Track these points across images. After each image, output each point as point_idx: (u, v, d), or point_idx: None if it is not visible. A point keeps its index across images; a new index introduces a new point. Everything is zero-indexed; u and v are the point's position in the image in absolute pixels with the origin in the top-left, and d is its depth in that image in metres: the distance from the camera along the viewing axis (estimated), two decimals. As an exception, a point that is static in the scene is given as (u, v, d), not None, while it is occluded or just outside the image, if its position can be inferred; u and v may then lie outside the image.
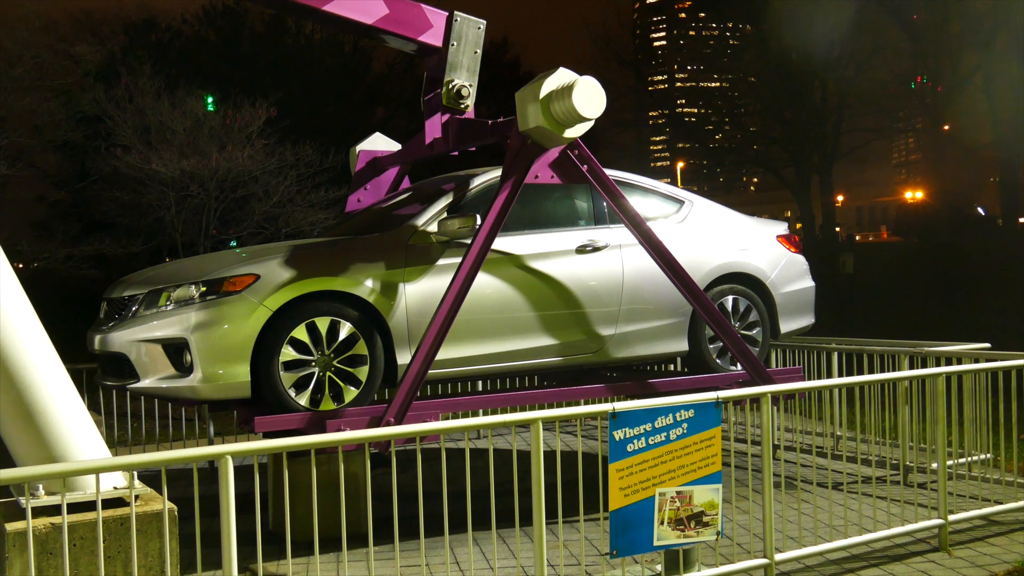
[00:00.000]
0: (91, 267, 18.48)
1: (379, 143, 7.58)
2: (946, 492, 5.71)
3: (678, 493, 4.45)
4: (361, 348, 5.74)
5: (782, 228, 7.79)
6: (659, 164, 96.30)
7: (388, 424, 5.48)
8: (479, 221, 5.78)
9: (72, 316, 12.13)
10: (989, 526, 6.07)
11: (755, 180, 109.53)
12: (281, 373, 5.52)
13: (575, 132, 5.81)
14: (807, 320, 7.64)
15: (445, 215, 6.14)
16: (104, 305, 6.11)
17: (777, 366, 9.03)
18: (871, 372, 7.97)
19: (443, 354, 5.79)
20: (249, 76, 26.99)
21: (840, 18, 34.09)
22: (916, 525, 5.64)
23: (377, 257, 5.88)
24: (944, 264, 28.79)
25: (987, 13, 33.06)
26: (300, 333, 5.58)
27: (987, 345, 8.08)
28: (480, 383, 9.32)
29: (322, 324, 5.63)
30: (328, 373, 5.67)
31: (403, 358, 5.85)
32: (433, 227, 6.09)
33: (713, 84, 63.98)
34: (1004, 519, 6.18)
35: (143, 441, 9.10)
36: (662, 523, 4.43)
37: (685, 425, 4.48)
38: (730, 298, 7.08)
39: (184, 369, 5.47)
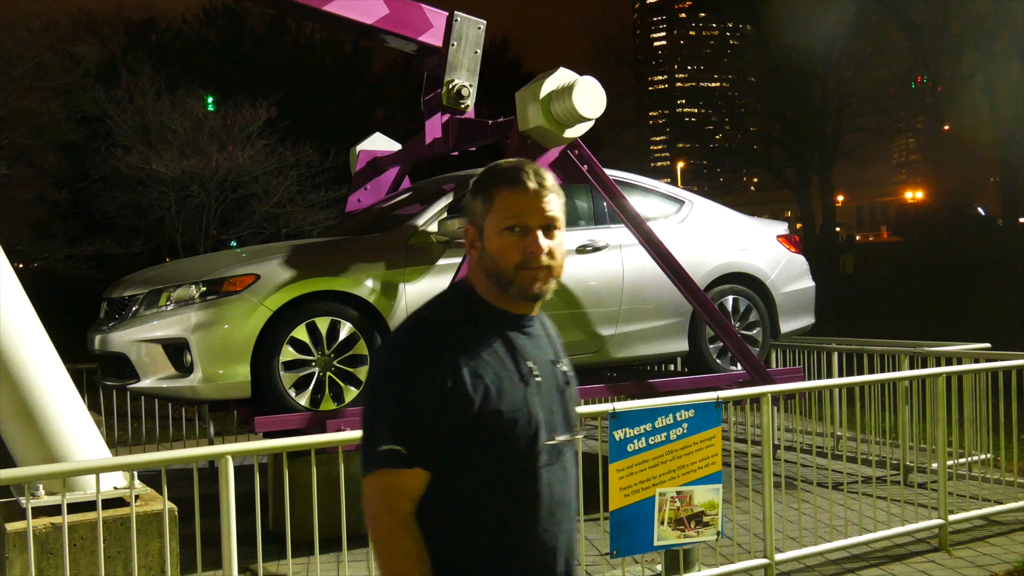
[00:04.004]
0: (91, 267, 18.49)
1: (379, 143, 7.57)
2: (946, 492, 5.70)
3: (678, 493, 4.45)
4: (361, 348, 5.74)
5: (782, 228, 7.79)
6: (659, 164, 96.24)
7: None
8: (479, 221, 5.77)
9: (72, 316, 12.13)
10: (989, 526, 6.06)
11: (755, 180, 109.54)
12: (281, 373, 5.51)
13: (575, 132, 5.81)
14: (807, 320, 7.64)
15: (445, 215, 6.14)
16: (104, 305, 6.11)
17: (777, 366, 9.02)
18: (871, 372, 7.97)
19: (443, 354, 5.77)
20: (249, 76, 27.03)
21: (840, 18, 34.09)
22: (916, 525, 5.64)
23: (377, 257, 5.88)
24: (944, 264, 28.81)
25: (987, 13, 33.07)
26: (300, 333, 5.58)
27: (987, 345, 8.08)
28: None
29: (322, 324, 5.63)
30: (328, 373, 5.67)
31: (403, 358, 5.84)
32: (433, 227, 6.08)
33: (713, 84, 63.92)
34: (1004, 519, 6.17)
35: (143, 441, 9.09)
36: (662, 523, 4.42)
37: (685, 425, 4.48)
38: (730, 298, 7.08)
39: (184, 369, 5.47)
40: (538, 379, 1.95)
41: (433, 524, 1.88)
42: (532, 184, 1.93)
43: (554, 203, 1.96)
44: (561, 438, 1.98)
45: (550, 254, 1.95)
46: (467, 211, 2.01)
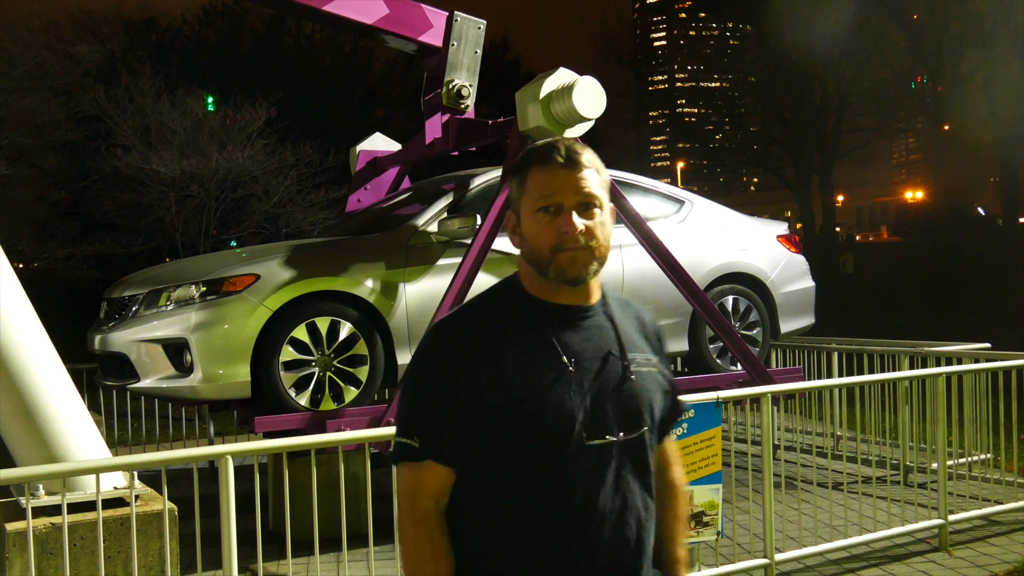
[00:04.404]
0: (91, 267, 18.49)
1: (379, 143, 7.57)
2: (946, 492, 5.70)
3: (678, 493, 4.45)
4: (361, 348, 5.74)
5: (782, 228, 7.79)
6: (659, 164, 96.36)
7: (388, 424, 5.48)
8: (479, 221, 5.78)
9: (72, 316, 12.12)
10: (989, 526, 6.06)
11: (755, 180, 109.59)
12: (281, 373, 5.51)
13: (575, 132, 5.81)
14: (807, 320, 7.64)
15: (445, 215, 6.14)
16: (104, 305, 6.12)
17: (777, 366, 9.02)
18: (871, 372, 7.96)
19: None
20: (249, 76, 26.99)
21: (840, 18, 34.10)
22: (916, 525, 5.64)
23: (377, 257, 5.88)
24: (944, 264, 28.81)
25: (987, 13, 33.09)
26: (300, 333, 5.58)
27: (987, 345, 8.08)
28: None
29: (322, 324, 5.63)
30: (328, 373, 5.67)
31: (403, 358, 5.85)
32: (433, 227, 6.08)
33: (713, 84, 64.01)
34: (1004, 519, 6.17)
35: (143, 441, 9.09)
36: (662, 523, 4.42)
37: (685, 425, 4.48)
38: (730, 298, 7.08)
39: (184, 369, 5.47)
40: (573, 373, 1.81)
41: (458, 524, 1.83)
42: (564, 160, 1.82)
43: (592, 179, 1.83)
44: (611, 438, 1.82)
45: (588, 233, 1.81)
46: (509, 197, 1.95)
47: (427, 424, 1.82)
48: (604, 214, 1.86)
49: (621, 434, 1.83)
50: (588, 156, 1.86)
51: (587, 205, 1.83)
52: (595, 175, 1.85)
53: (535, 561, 1.79)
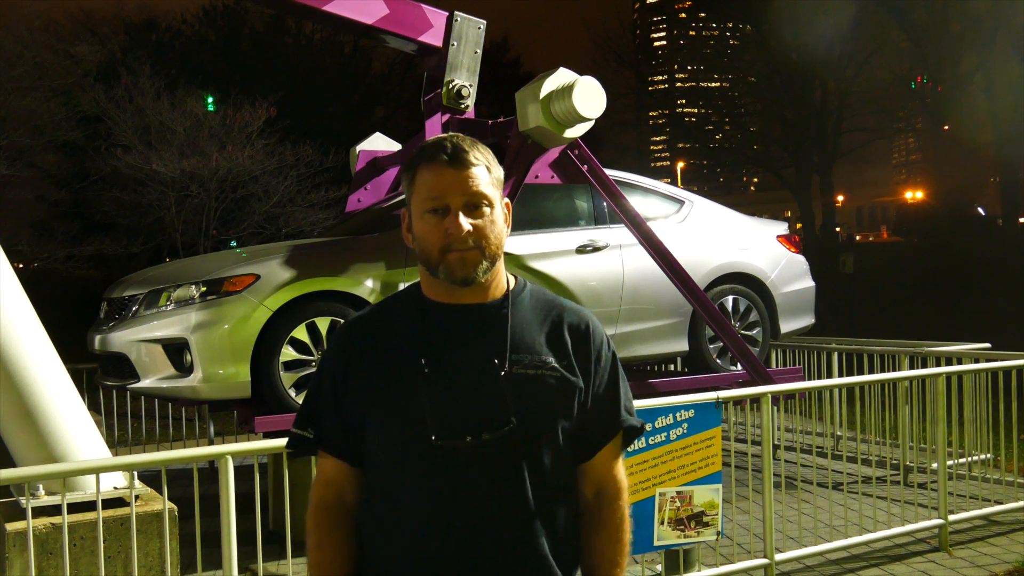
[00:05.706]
0: (91, 267, 18.48)
1: (379, 143, 7.57)
2: (946, 492, 5.70)
3: (678, 493, 4.45)
4: (361, 348, 5.73)
5: (782, 228, 7.79)
6: (659, 164, 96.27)
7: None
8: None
9: (72, 316, 12.12)
10: (989, 526, 6.07)
11: (755, 180, 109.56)
12: (281, 373, 5.51)
13: (575, 132, 5.81)
14: (807, 320, 7.64)
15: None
16: (104, 305, 6.11)
17: (777, 366, 9.02)
18: (871, 372, 7.97)
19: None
20: (249, 76, 26.96)
21: (840, 18, 34.07)
22: (916, 525, 5.64)
23: (377, 257, 5.88)
24: (944, 264, 28.79)
25: (987, 13, 33.05)
26: (300, 333, 5.57)
27: (987, 345, 8.08)
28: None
29: (322, 324, 5.63)
30: (328, 373, 5.66)
31: (403, 358, 5.84)
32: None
33: (713, 84, 64.02)
34: (1004, 519, 6.18)
35: (143, 441, 9.09)
36: (662, 523, 4.42)
37: (685, 425, 4.48)
38: (730, 298, 7.08)
39: (184, 369, 5.47)
40: (428, 375, 1.78)
41: (359, 518, 1.89)
42: (450, 160, 1.79)
43: (481, 178, 1.80)
44: (471, 438, 1.76)
45: (476, 234, 1.78)
46: (403, 195, 1.91)
47: (317, 416, 1.89)
48: (494, 212, 1.83)
49: (484, 435, 1.76)
50: (476, 154, 1.82)
51: (475, 205, 1.80)
52: (484, 172, 1.82)
53: (401, 561, 1.79)
